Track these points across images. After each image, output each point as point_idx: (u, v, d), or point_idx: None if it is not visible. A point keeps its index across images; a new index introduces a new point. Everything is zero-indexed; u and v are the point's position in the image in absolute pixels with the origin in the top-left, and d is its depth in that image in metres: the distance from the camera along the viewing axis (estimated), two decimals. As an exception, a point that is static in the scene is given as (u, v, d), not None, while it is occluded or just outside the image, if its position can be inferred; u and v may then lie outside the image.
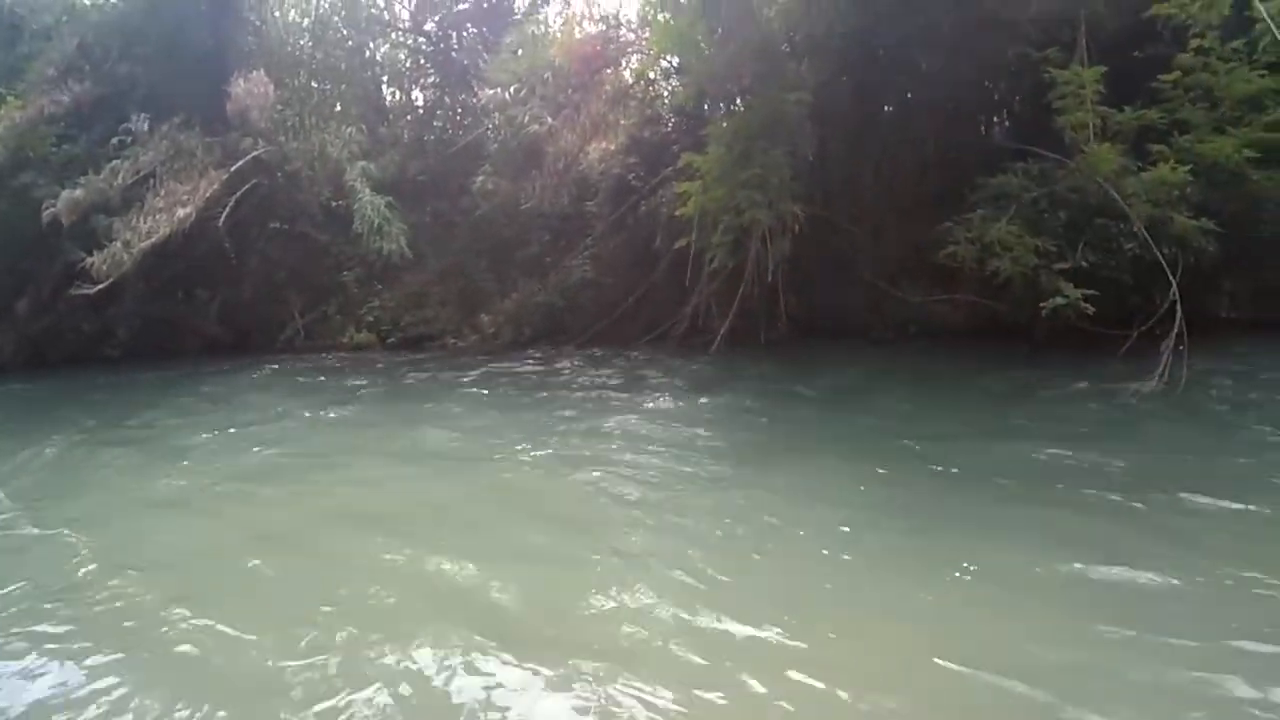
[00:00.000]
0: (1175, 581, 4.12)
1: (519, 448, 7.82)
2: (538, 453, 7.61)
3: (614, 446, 7.61)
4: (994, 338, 11.16)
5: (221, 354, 17.25)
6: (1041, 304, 9.41)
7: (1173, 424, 7.23)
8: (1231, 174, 9.93)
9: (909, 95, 13.56)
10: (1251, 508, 4.99)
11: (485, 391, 11.42)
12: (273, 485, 7.28)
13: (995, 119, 14.36)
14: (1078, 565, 4.36)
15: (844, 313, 12.69)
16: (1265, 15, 9.40)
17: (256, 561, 5.26)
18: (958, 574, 4.38)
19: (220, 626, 4.29)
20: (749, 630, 3.92)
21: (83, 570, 5.24)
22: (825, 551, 4.86)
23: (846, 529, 5.17)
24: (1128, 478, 5.74)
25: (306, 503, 6.68)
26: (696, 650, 3.77)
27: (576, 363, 13.25)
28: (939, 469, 6.22)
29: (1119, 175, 9.82)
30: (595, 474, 6.63)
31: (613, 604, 4.30)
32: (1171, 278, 8.92)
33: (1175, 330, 8.34)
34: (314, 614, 4.37)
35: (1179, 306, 8.59)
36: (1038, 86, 11.61)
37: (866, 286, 12.46)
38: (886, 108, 13.77)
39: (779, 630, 3.88)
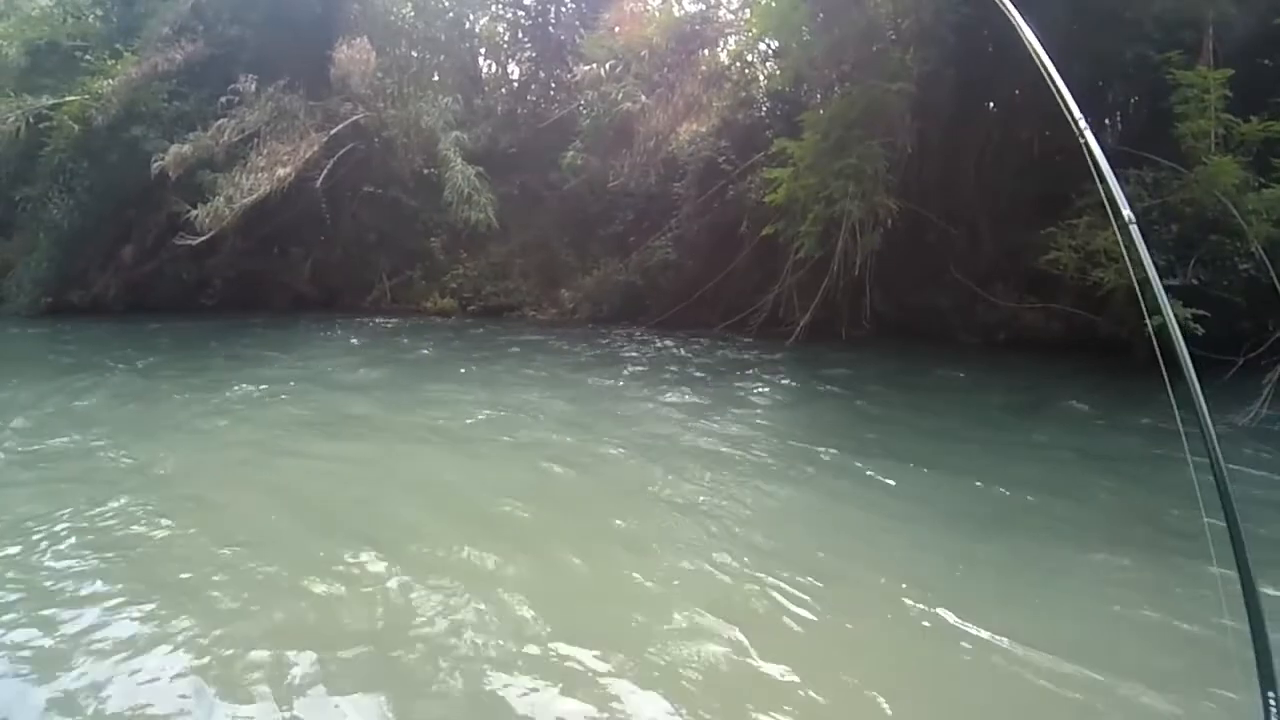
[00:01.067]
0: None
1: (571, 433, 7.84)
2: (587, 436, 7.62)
3: (670, 434, 7.56)
4: (1088, 352, 10.69)
5: (310, 310, 17.87)
6: (1144, 320, 8.94)
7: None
8: (1364, 197, 9.25)
9: (1016, 93, 13.02)
10: None
11: (553, 363, 11.55)
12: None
13: (1107, 122, 13.70)
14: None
15: (931, 314, 12.35)
16: None
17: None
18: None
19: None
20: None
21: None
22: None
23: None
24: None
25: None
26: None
27: (648, 342, 13.27)
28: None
29: (1239, 190, 9.26)
30: (646, 463, 6.60)
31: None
32: (1286, 301, 8.40)
33: (1281, 363, 7.85)
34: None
35: (1289, 337, 8.07)
36: (1155, 90, 11.05)
37: (957, 288, 12.09)
38: (991, 104, 13.26)
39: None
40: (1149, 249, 7.47)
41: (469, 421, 8.15)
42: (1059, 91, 2.79)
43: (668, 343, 13.14)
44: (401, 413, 8.59)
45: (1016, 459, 6.74)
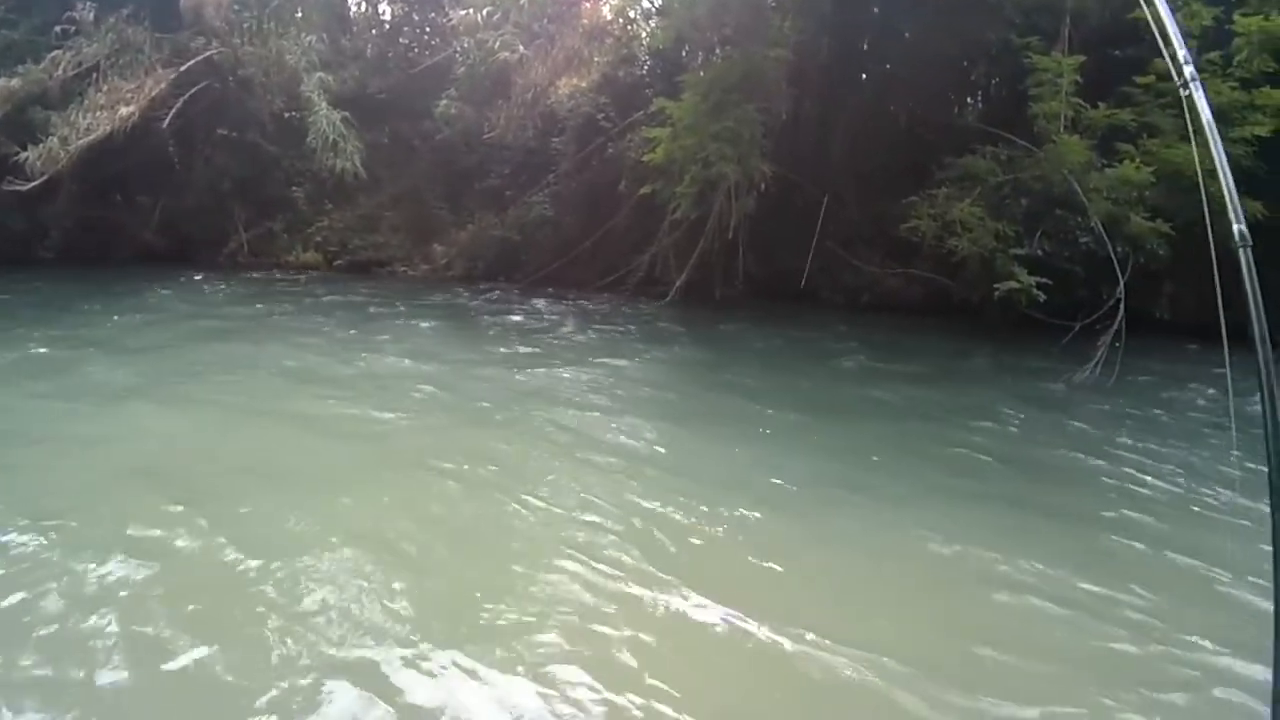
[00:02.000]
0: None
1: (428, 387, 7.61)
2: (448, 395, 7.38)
3: (542, 392, 7.49)
4: (943, 314, 11.31)
5: (159, 263, 16.48)
6: (995, 286, 9.54)
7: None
8: (1192, 182, 10.07)
9: (888, 67, 13.48)
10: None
11: (428, 323, 11.17)
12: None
13: (969, 100, 14.39)
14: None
15: (800, 276, 12.71)
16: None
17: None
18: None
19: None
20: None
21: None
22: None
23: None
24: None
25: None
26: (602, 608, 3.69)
27: (521, 300, 13.08)
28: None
29: (1084, 169, 9.92)
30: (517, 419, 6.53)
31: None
32: (1120, 275, 9.10)
33: (1115, 326, 8.53)
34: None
35: (1123, 304, 8.78)
36: (1015, 73, 11.67)
37: (825, 252, 12.47)
38: (864, 76, 13.67)
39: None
40: (1000, 220, 8.04)
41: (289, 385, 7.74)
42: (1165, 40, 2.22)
43: (541, 301, 12.97)
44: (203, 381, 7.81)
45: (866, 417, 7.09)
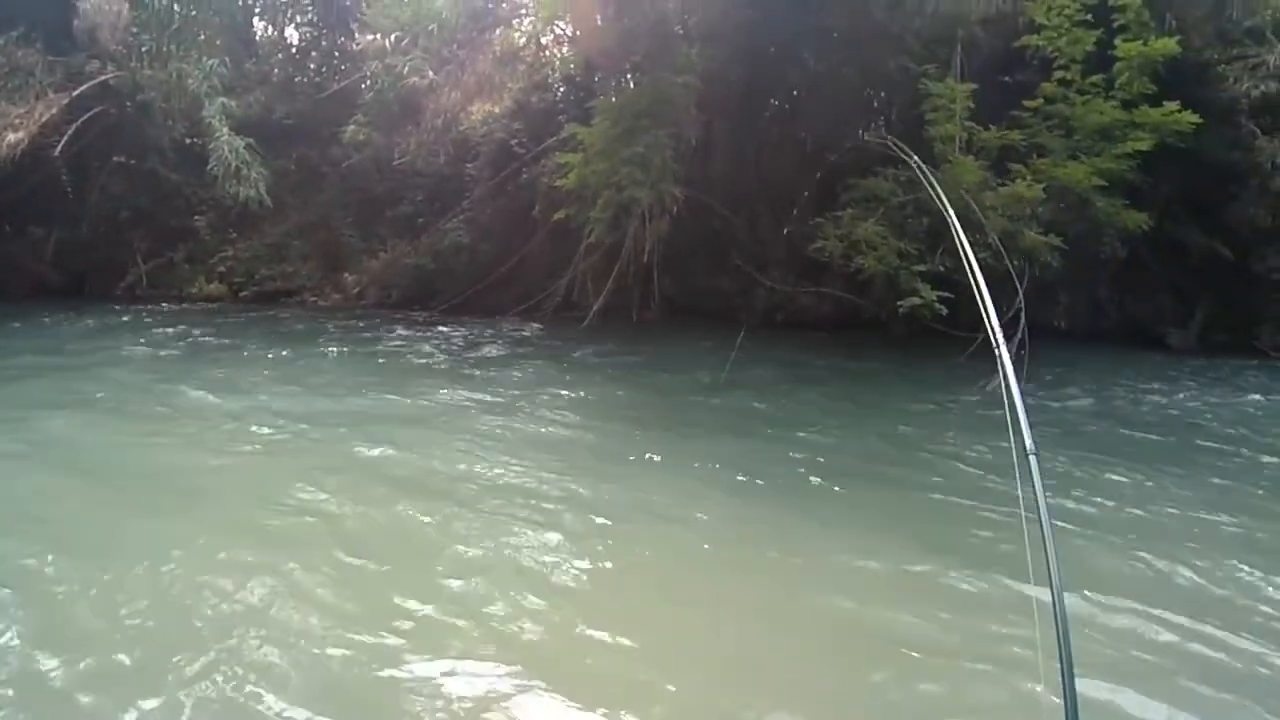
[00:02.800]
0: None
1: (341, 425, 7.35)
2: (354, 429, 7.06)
3: (453, 426, 7.18)
4: (855, 330, 11.64)
5: (52, 298, 15.60)
6: (900, 303, 9.86)
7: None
8: (1080, 198, 10.67)
9: (795, 93, 13.85)
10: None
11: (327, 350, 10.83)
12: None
13: (873, 125, 14.88)
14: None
15: (715, 297, 12.90)
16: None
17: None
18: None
19: None
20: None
21: None
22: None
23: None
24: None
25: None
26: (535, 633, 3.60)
27: (435, 329, 12.85)
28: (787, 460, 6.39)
29: (979, 189, 10.36)
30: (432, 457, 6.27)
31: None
32: (1019, 287, 9.48)
33: (1018, 336, 8.86)
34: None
35: (1023, 315, 9.14)
36: (914, 99, 12.16)
37: (738, 273, 12.68)
38: (773, 101, 14.02)
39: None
40: (903, 238, 8.30)
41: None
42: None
43: (457, 328, 12.74)
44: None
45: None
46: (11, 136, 12.89)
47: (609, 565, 4.38)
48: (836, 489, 5.56)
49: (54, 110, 13.90)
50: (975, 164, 10.46)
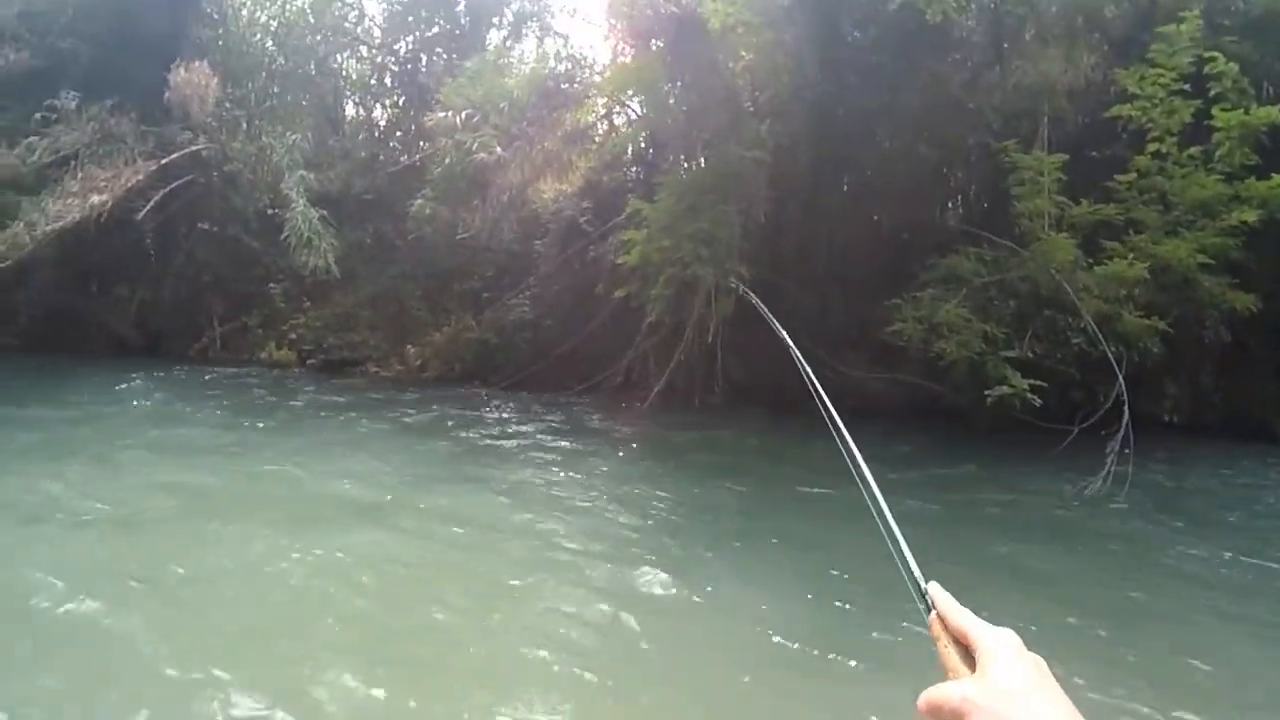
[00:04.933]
0: None
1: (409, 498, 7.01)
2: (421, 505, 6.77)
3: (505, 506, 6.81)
4: (932, 420, 10.79)
5: (130, 357, 16.00)
6: (986, 391, 9.02)
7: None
8: (1183, 277, 9.78)
9: (868, 171, 13.41)
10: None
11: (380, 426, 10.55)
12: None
13: (949, 204, 14.30)
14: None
15: (782, 381, 12.22)
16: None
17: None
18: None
19: None
20: None
21: None
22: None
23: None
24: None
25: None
26: None
27: (496, 404, 12.51)
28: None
29: (1071, 268, 9.62)
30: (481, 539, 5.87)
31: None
32: (1120, 375, 8.60)
33: (1121, 432, 7.96)
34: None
35: (1126, 406, 8.24)
36: (994, 175, 11.61)
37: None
38: (845, 180, 13.58)
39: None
40: (988, 321, 7.53)
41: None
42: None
43: (513, 406, 12.38)
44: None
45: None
46: (96, 199, 13.35)
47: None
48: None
49: (140, 176, 14.42)
50: (1067, 241, 9.68)
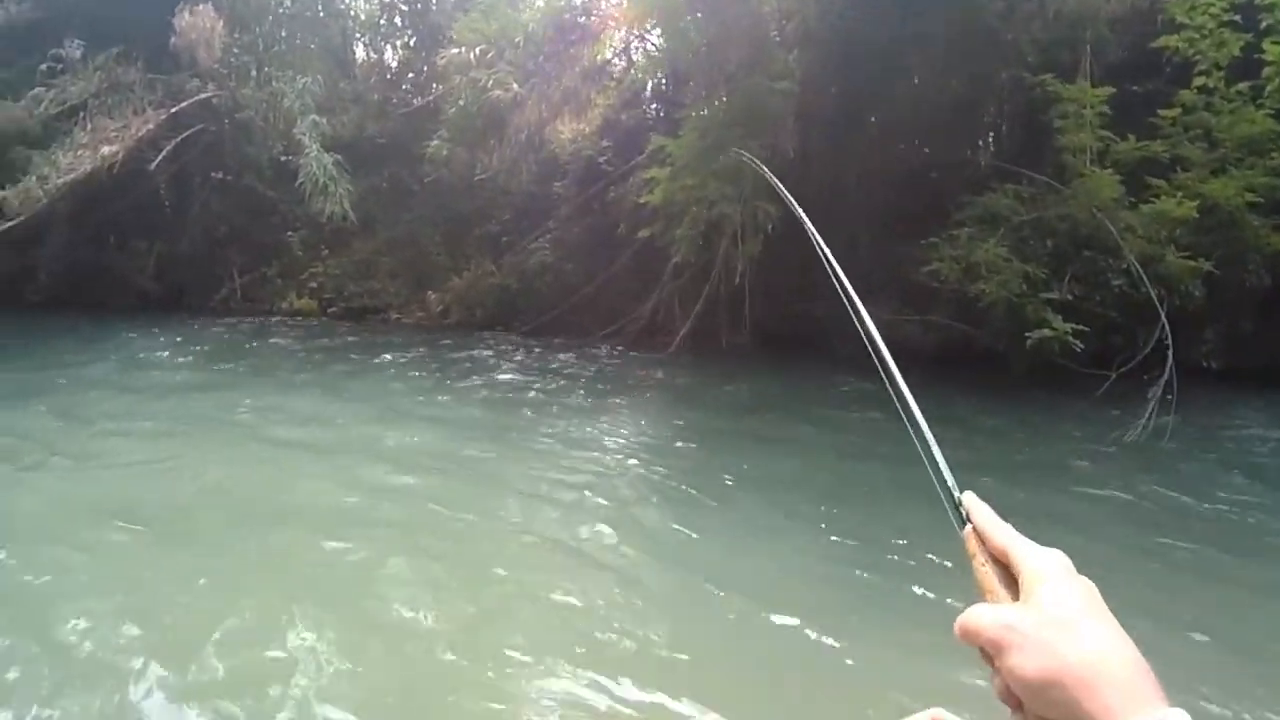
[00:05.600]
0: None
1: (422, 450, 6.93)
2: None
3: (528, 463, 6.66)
4: (965, 364, 10.50)
5: (152, 310, 15.97)
6: (1027, 335, 8.72)
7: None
8: (1229, 217, 9.37)
9: (897, 106, 12.88)
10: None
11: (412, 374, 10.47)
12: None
13: (980, 141, 13.78)
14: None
15: (809, 324, 11.97)
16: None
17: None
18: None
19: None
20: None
21: None
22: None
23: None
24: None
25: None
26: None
27: (516, 350, 12.37)
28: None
29: (1114, 206, 9.23)
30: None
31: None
32: (1163, 318, 8.30)
33: (1165, 376, 7.68)
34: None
35: (1170, 350, 7.95)
36: (1028, 110, 11.13)
37: (835, 297, 11.69)
38: (873, 115, 13.08)
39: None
40: (1028, 262, 7.13)
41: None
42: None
43: (536, 352, 12.22)
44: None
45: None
46: (107, 150, 13.11)
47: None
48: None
49: (150, 125, 14.15)
50: (1112, 178, 9.27)
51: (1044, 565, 0.66)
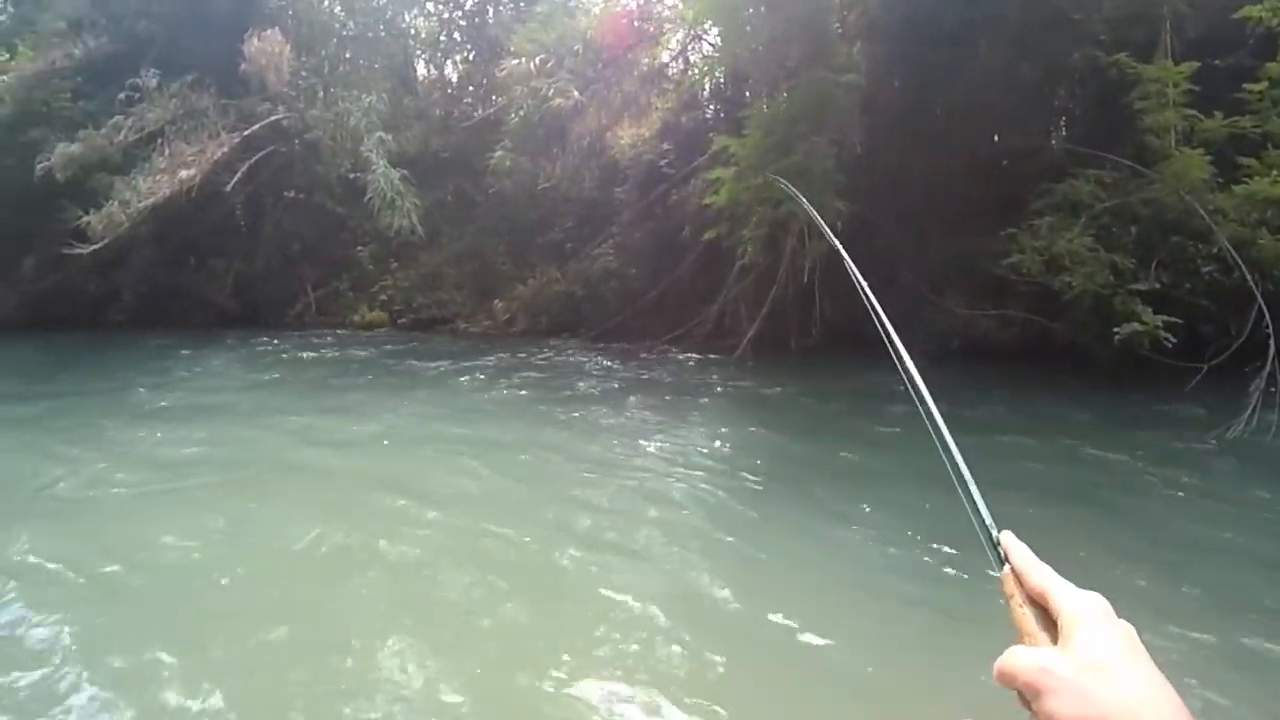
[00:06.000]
0: None
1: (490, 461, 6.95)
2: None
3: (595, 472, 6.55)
4: (1046, 360, 10.12)
5: (231, 327, 16.52)
6: (1115, 330, 8.34)
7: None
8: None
9: (964, 94, 12.55)
10: None
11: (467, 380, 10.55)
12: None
13: (1052, 127, 13.31)
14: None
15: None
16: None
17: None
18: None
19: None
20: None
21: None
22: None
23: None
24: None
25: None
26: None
27: (584, 357, 12.37)
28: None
29: (1204, 189, 8.79)
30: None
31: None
32: (1262, 304, 7.85)
33: (1267, 367, 7.26)
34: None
35: (1272, 340, 7.51)
36: (1102, 92, 10.70)
37: (907, 294, 11.46)
38: (941, 105, 12.76)
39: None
40: (1115, 252, 6.73)
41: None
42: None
43: (602, 358, 12.21)
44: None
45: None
46: (184, 174, 13.63)
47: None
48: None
49: (225, 149, 14.66)
50: (1201, 158, 8.82)
51: (1082, 608, 0.65)
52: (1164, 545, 4.78)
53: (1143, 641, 0.64)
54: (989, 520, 0.81)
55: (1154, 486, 5.84)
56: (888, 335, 1.22)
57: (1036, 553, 0.73)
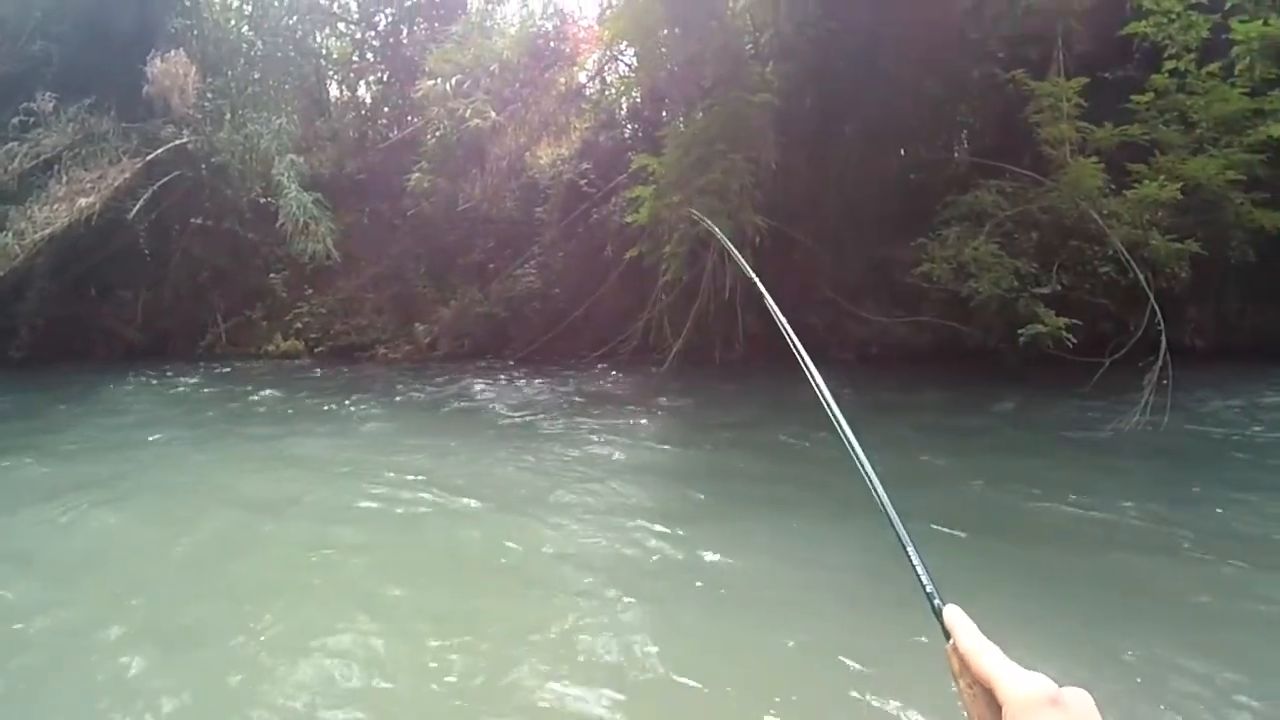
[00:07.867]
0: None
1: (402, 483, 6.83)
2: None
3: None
4: (958, 362, 10.52)
5: (138, 360, 15.74)
6: (1020, 331, 8.74)
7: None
8: (1212, 197, 9.45)
9: (873, 111, 12.98)
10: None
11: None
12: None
13: (955, 141, 13.89)
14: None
15: (803, 332, 11.82)
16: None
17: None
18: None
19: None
20: None
21: None
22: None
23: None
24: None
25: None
26: None
27: (507, 379, 12.24)
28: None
29: (1098, 194, 9.31)
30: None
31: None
32: (1155, 303, 8.32)
33: (1159, 361, 7.68)
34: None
35: (1164, 334, 7.96)
36: (1001, 106, 11.24)
37: (827, 305, 11.75)
38: (852, 121, 13.17)
39: None
40: (1018, 257, 7.11)
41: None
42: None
43: (527, 378, 12.10)
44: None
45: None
46: (83, 201, 13.00)
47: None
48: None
49: (127, 175, 14.06)
50: (1095, 166, 9.35)
51: (1027, 698, 0.66)
52: (1061, 525, 5.06)
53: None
54: (931, 589, 0.81)
55: (1053, 475, 6.16)
56: (809, 370, 1.23)
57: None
